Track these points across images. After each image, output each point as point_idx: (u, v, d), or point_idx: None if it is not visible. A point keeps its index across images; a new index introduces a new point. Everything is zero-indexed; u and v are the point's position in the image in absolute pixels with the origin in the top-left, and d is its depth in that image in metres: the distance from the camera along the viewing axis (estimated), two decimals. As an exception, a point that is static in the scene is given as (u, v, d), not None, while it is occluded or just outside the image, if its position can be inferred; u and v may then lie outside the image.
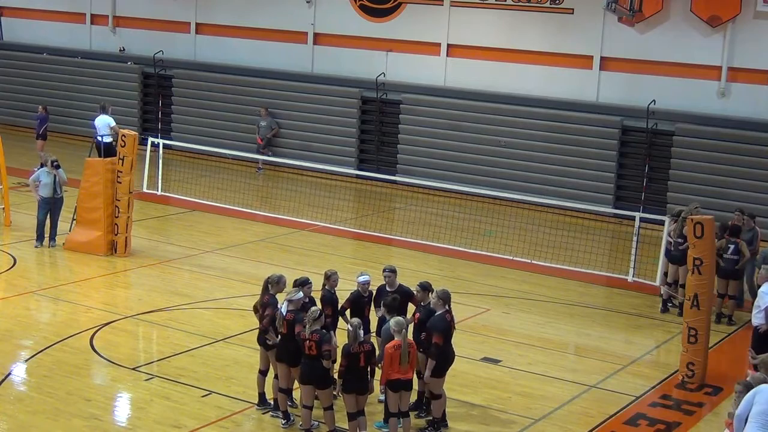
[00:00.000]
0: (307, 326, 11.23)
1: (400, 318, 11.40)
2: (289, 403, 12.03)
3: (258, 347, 12.25)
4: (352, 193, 26.23)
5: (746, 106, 23.24)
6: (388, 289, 12.59)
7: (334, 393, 11.54)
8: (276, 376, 12.02)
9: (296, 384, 11.94)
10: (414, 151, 26.49)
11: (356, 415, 11.30)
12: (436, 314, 11.78)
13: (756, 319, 13.49)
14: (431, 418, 11.99)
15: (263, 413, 12.15)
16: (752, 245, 17.26)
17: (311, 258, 19.29)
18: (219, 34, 29.80)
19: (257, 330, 12.22)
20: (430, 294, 12.06)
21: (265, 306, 11.92)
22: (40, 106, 26.98)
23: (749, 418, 9.38)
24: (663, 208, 22.82)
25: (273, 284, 12.06)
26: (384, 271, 12.71)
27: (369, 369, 11.29)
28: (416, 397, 12.21)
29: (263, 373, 12.27)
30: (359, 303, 12.53)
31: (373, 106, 27.37)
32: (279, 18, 28.71)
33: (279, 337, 11.80)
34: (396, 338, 11.17)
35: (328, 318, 11.96)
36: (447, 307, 11.85)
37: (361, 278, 12.63)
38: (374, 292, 12.67)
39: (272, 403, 12.16)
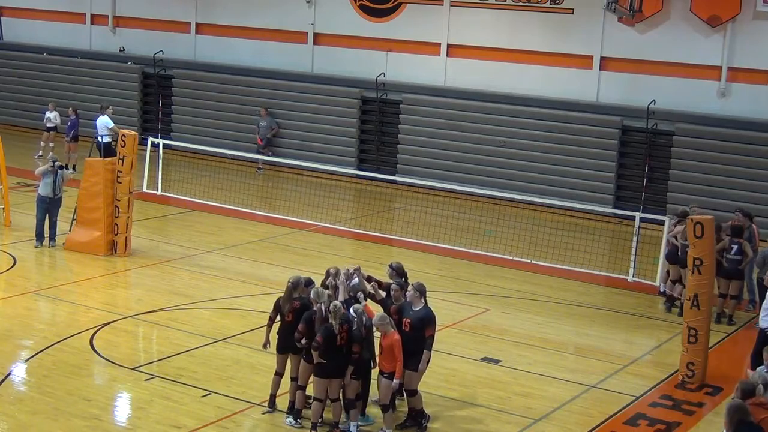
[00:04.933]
0: (334, 321, 11.28)
1: (383, 313, 11.49)
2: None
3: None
4: (352, 193, 26.23)
5: (746, 106, 23.24)
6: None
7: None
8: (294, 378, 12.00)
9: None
10: (414, 151, 26.49)
11: (356, 401, 11.55)
12: (424, 307, 11.75)
13: (765, 322, 13.46)
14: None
15: (263, 413, 12.14)
16: (751, 243, 17.24)
17: (311, 258, 19.28)
18: (219, 34, 29.81)
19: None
20: (404, 293, 12.00)
21: (295, 311, 11.82)
22: (70, 108, 26.84)
23: None
24: (663, 208, 22.83)
25: (298, 287, 12.05)
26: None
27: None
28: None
29: (293, 379, 12.05)
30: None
31: (373, 106, 27.37)
32: (279, 18, 28.71)
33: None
34: (390, 331, 11.29)
35: None
36: (424, 301, 11.83)
37: (353, 282, 12.62)
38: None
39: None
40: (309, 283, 12.17)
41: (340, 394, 11.61)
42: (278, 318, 12.15)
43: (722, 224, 17.08)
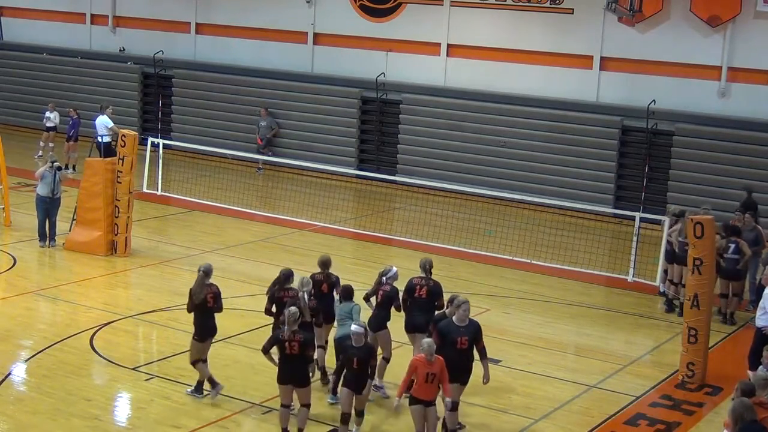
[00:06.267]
0: (287, 327, 11.17)
1: (431, 340, 11.02)
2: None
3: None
4: (352, 193, 26.22)
5: (746, 106, 23.24)
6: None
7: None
8: None
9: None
10: (414, 151, 26.49)
11: (350, 416, 11.38)
12: (471, 320, 11.58)
13: (761, 321, 13.47)
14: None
15: (264, 413, 12.14)
16: (758, 245, 17.24)
17: (311, 258, 19.17)
18: (219, 34, 29.81)
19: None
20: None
21: (214, 295, 12.46)
22: (71, 110, 26.77)
23: None
24: (663, 208, 22.76)
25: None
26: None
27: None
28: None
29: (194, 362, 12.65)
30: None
31: (373, 106, 27.37)
32: (279, 18, 28.71)
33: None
34: (435, 357, 10.86)
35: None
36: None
37: (393, 271, 12.84)
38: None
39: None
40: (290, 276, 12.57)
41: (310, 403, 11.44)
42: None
43: (729, 223, 17.18)
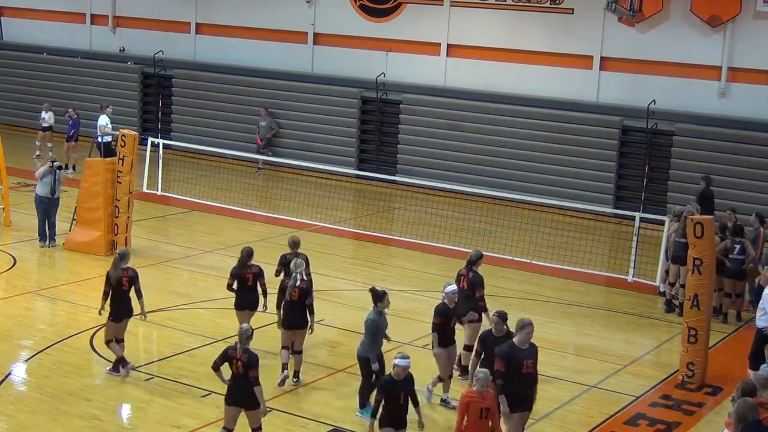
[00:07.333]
0: (239, 344, 10.73)
1: (487, 371, 10.27)
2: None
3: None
4: (352, 193, 26.22)
5: (746, 106, 23.24)
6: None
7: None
8: None
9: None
10: (414, 151, 26.49)
11: None
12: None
13: (761, 321, 13.47)
14: None
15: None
16: (755, 245, 17.23)
17: (311, 258, 19.18)
18: (219, 34, 29.81)
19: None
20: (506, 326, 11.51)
21: (129, 279, 13.24)
22: (71, 109, 26.71)
23: None
24: (663, 208, 22.82)
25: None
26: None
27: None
28: None
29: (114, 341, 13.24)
30: (447, 315, 12.36)
31: (373, 106, 27.36)
32: (279, 18, 28.71)
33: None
34: (491, 390, 10.22)
35: None
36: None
37: (449, 288, 12.48)
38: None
39: None
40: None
41: (261, 425, 10.87)
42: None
43: (727, 224, 17.17)
